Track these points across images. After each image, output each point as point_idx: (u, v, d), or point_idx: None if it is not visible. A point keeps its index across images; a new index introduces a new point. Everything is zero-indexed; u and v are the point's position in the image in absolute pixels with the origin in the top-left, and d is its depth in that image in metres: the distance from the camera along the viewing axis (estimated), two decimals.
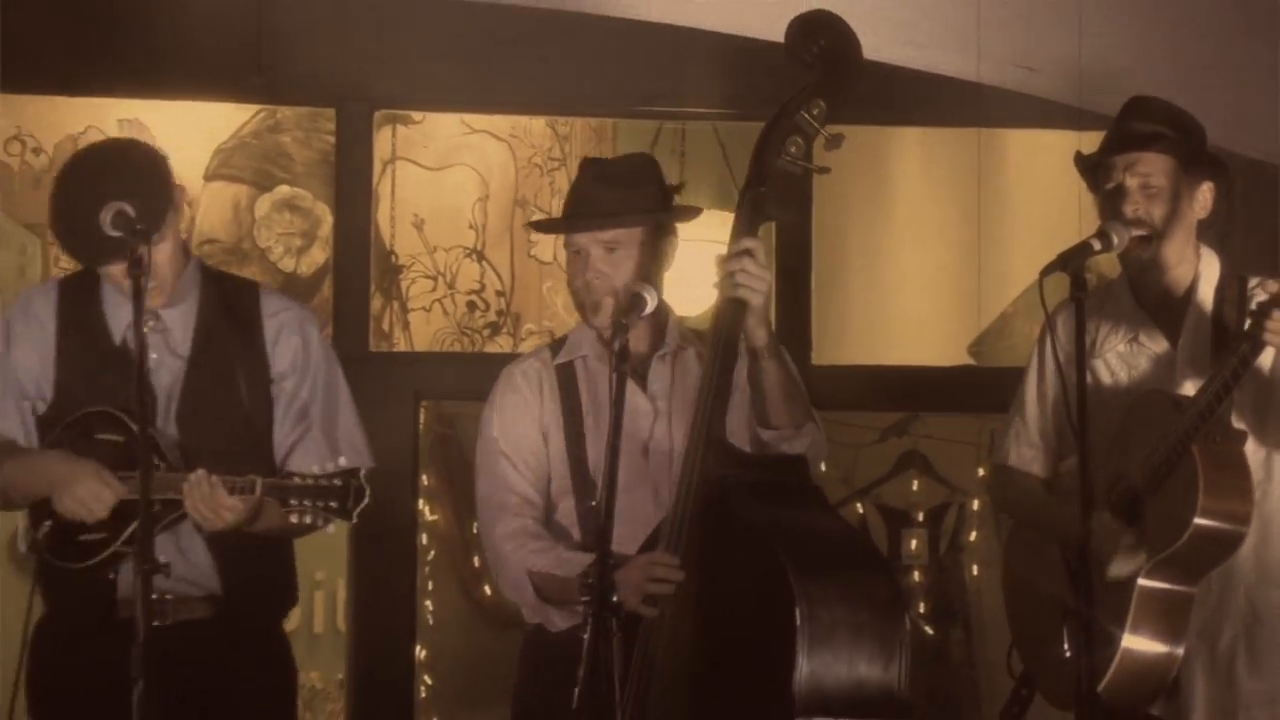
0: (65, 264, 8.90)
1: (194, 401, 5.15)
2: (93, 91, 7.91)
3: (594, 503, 4.96)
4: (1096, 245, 4.91)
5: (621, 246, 5.23)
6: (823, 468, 5.26)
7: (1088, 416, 4.69)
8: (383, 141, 8.15)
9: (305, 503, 4.84)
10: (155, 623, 4.95)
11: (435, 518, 8.47)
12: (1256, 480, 4.97)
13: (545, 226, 5.88)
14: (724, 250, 5.07)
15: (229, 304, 5.25)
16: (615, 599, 4.62)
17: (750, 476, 5.00)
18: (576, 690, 4.67)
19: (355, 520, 4.88)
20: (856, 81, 5.02)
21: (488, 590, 8.23)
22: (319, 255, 8.22)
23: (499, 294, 9.04)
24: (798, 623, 4.73)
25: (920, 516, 8.27)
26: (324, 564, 9.35)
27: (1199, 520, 4.85)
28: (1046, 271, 4.84)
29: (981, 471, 8.13)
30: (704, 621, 4.91)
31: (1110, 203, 5.09)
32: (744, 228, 5.03)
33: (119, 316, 5.14)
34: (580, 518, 5.19)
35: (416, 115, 8.62)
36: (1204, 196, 5.13)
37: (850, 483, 8.08)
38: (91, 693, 4.82)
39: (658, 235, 5.25)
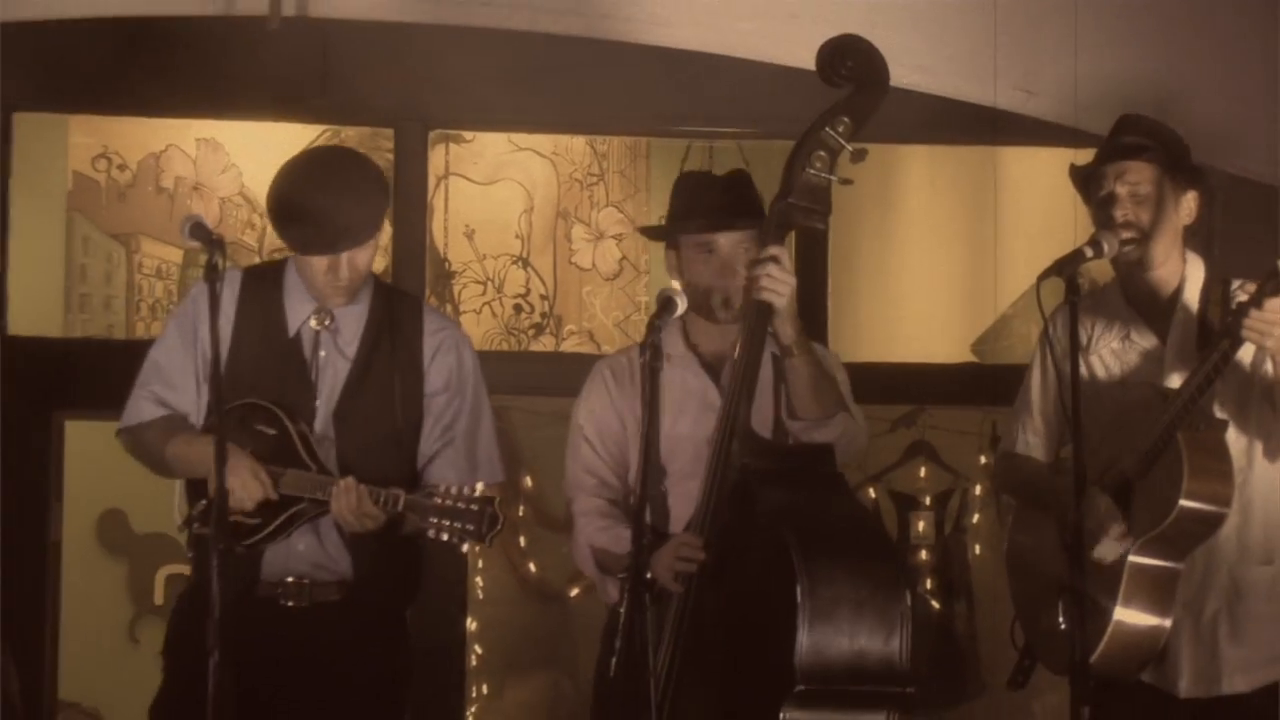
0: (147, 270, 8.92)
1: (352, 404, 5.10)
2: (173, 113, 7.93)
3: (662, 487, 4.97)
4: (1089, 252, 4.90)
5: (748, 247, 5.20)
6: (863, 448, 5.31)
7: (1082, 407, 4.69)
8: (436, 158, 8.15)
9: (444, 522, 4.82)
10: (290, 604, 5.01)
11: None
12: (1238, 466, 4.95)
13: (690, 225, 5.31)
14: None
15: (395, 315, 5.20)
16: (649, 576, 4.63)
17: (772, 464, 5.00)
18: (614, 659, 4.68)
19: (489, 544, 4.87)
20: (882, 99, 5.03)
21: (532, 567, 8.23)
22: (378, 262, 8.21)
23: (542, 298, 9.03)
24: (799, 598, 4.72)
25: (927, 500, 8.26)
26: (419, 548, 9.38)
27: (1185, 502, 4.84)
28: (1043, 276, 4.84)
29: (983, 459, 8.11)
30: (724, 597, 4.91)
31: (1102, 209, 5.09)
32: (770, 236, 5.04)
33: (298, 311, 5.12)
34: (651, 500, 5.18)
35: (467, 134, 8.61)
36: (1188, 204, 5.12)
37: (864, 469, 8.06)
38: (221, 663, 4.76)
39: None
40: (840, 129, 5.00)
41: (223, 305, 5.03)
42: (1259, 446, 5.05)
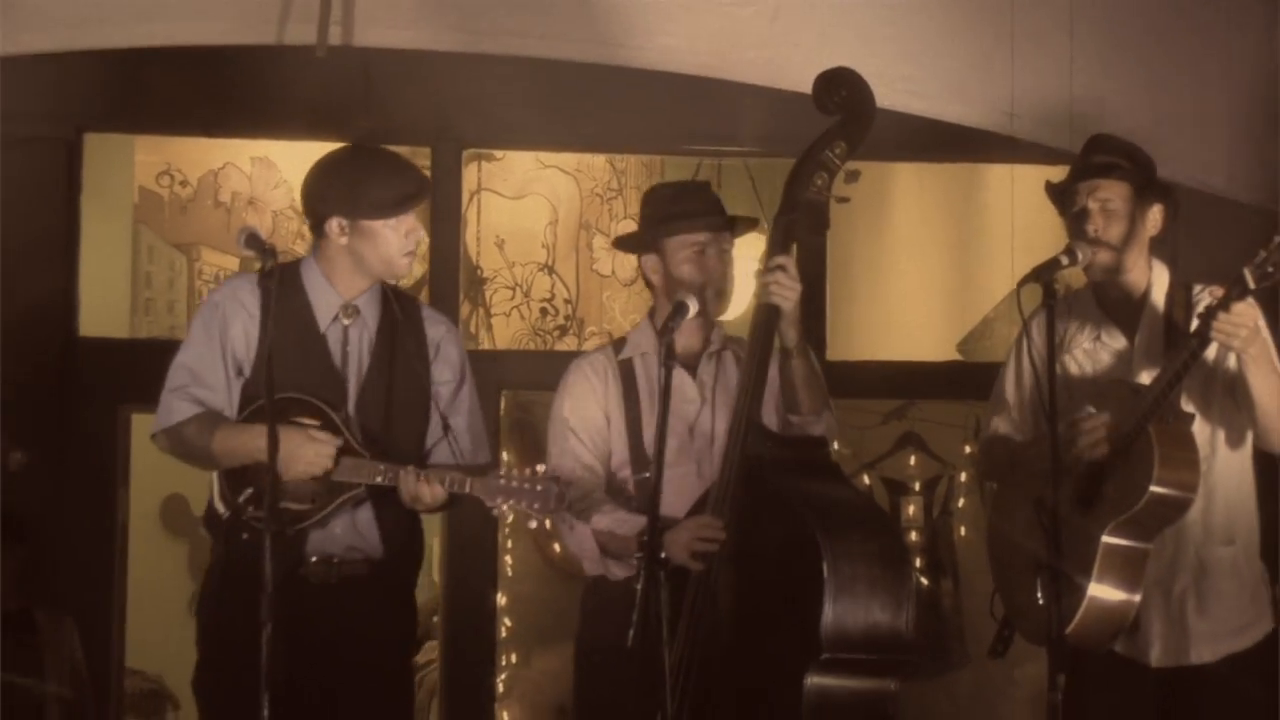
0: (206, 276, 8.93)
1: (373, 391, 5.05)
2: (229, 133, 7.92)
3: (646, 474, 4.96)
4: (1064, 260, 4.91)
5: (724, 244, 5.25)
6: (835, 445, 5.26)
7: (1058, 400, 4.69)
8: (470, 175, 8.16)
9: (510, 501, 4.82)
10: (323, 581, 4.96)
11: None
12: (1203, 455, 4.94)
13: (680, 224, 5.25)
14: (756, 266, 5.10)
15: (402, 307, 5.14)
16: (664, 555, 4.62)
17: (781, 454, 5.02)
18: (631, 631, 4.67)
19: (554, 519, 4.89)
20: (871, 125, 5.07)
21: (556, 548, 8.22)
22: (418, 269, 8.20)
23: (566, 302, 9.05)
24: (825, 575, 4.73)
25: (916, 487, 8.24)
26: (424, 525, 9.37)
27: (1154, 488, 4.82)
28: (1023, 282, 4.84)
29: (968, 449, 8.10)
30: (742, 574, 4.91)
31: (1076, 223, 5.08)
32: (777, 247, 5.05)
33: (324, 309, 5.04)
34: (635, 486, 5.19)
35: (498, 153, 8.63)
36: (1155, 217, 5.10)
37: (858, 458, 8.05)
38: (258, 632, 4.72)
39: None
40: (836, 152, 5.06)
41: (246, 305, 5.03)
42: (1222, 436, 5.04)
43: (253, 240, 4.75)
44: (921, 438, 8.21)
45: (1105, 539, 4.89)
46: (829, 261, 7.20)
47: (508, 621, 8.07)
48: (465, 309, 8.24)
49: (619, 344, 5.42)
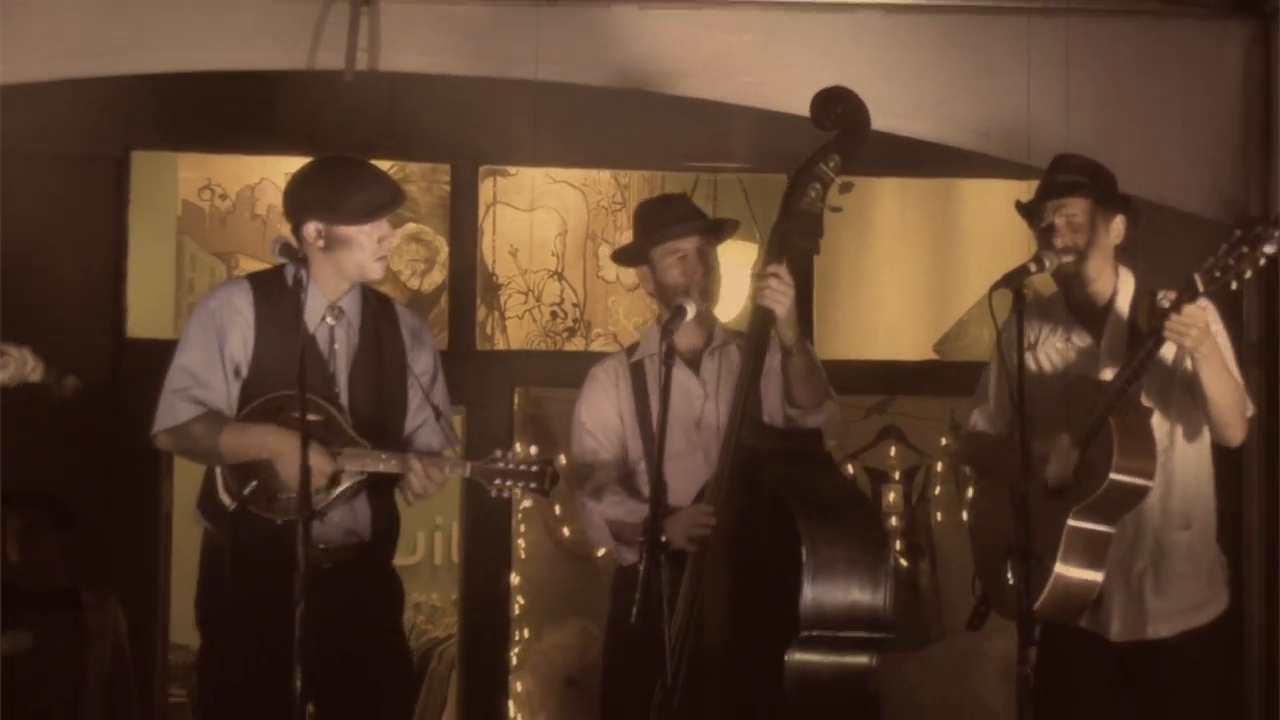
0: None
1: (360, 384, 5.02)
2: (265, 151, 7.93)
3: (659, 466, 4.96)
4: (1033, 268, 4.92)
5: (706, 250, 5.28)
6: (835, 432, 5.29)
7: (1030, 396, 4.70)
8: (486, 190, 8.15)
9: (507, 482, 4.81)
10: (326, 566, 4.89)
11: None
12: (1161, 446, 4.94)
13: (654, 234, 5.33)
14: (749, 271, 5.10)
15: (377, 306, 5.12)
16: (664, 539, 4.62)
17: (774, 445, 5.02)
18: (634, 610, 4.67)
19: (549, 496, 4.84)
20: (864, 140, 5.07)
21: (565, 532, 8.21)
22: (438, 276, 8.23)
23: (574, 306, 9.04)
24: (803, 558, 4.72)
25: (896, 475, 8.22)
26: (442, 511, 9.37)
27: (1114, 475, 4.82)
28: (995, 287, 4.85)
29: (944, 441, 8.08)
30: (735, 557, 4.91)
31: (1045, 237, 5.07)
32: (773, 255, 5.06)
33: (313, 310, 4.95)
34: (650, 478, 5.19)
35: (511, 169, 8.62)
36: (1117, 227, 5.10)
37: (843, 449, 8.02)
38: (263, 615, 4.70)
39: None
40: (831, 164, 5.04)
41: (240, 310, 5.00)
42: (1180, 430, 5.04)
43: (285, 249, 4.74)
44: (901, 430, 8.19)
45: (1070, 523, 4.89)
46: (816, 268, 7.19)
47: (520, 600, 8.05)
48: (482, 312, 8.23)
49: (632, 349, 5.44)
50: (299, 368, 4.63)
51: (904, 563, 8.09)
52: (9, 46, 6.04)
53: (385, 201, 4.99)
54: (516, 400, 7.56)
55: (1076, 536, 4.90)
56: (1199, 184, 6.27)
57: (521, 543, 8.13)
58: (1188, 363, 4.93)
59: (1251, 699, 6.16)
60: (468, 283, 7.44)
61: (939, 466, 8.20)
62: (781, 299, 4.98)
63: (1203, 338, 4.77)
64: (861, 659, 4.80)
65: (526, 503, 8.00)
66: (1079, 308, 5.13)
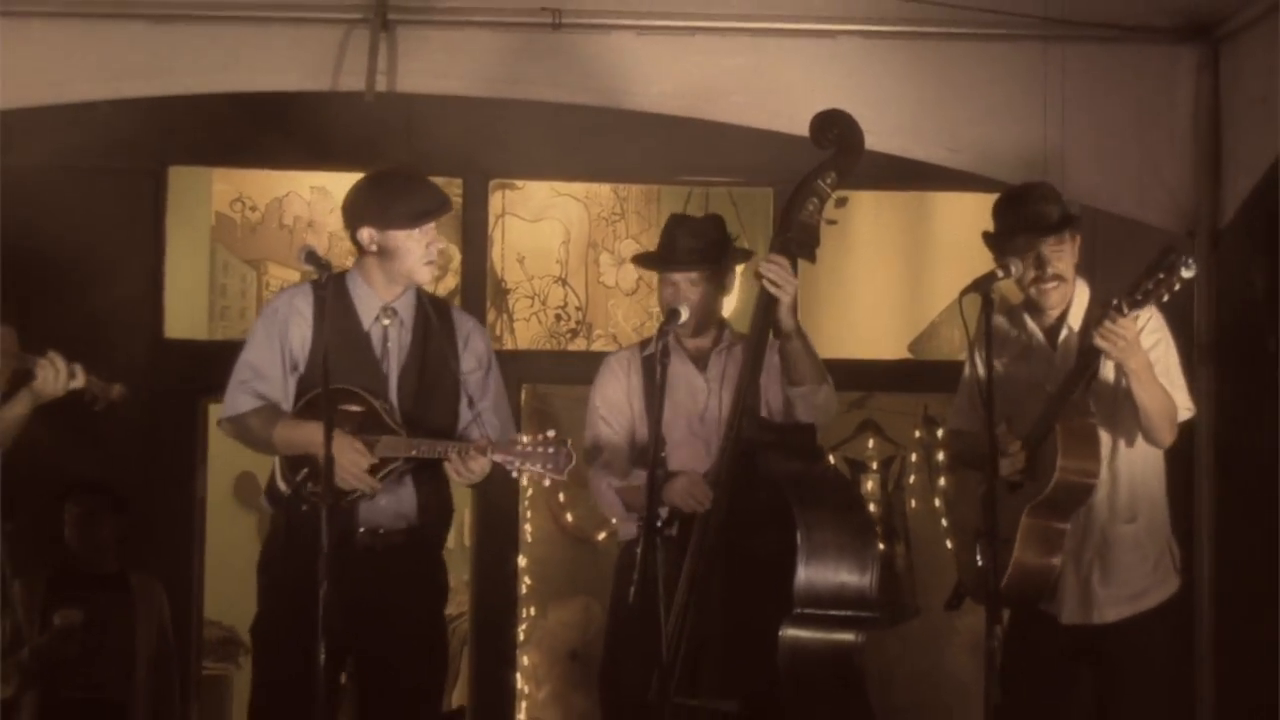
0: (272, 287, 8.92)
1: (410, 380, 5.02)
2: (291, 165, 7.94)
3: (663, 453, 4.97)
4: (1000, 274, 4.91)
5: (698, 280, 5.26)
6: (831, 414, 5.30)
7: (996, 398, 4.70)
8: (495, 202, 8.14)
9: (527, 464, 4.78)
10: (370, 547, 4.93)
11: None
12: (1109, 449, 4.98)
13: (645, 263, 5.57)
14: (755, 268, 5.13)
15: (435, 307, 5.14)
16: (661, 516, 4.70)
17: (771, 438, 5.04)
18: (632, 589, 4.68)
19: (565, 477, 4.80)
20: (859, 159, 5.13)
21: (569, 517, 8.21)
22: (451, 282, 8.20)
23: (577, 309, 9.03)
24: (798, 542, 4.73)
25: (874, 465, 8.22)
26: (455, 497, 9.35)
27: (1059, 475, 4.88)
28: (964, 292, 4.84)
29: (918, 434, 8.09)
30: (733, 540, 4.92)
31: (1038, 268, 5.06)
32: (774, 253, 5.11)
33: (367, 312, 5.02)
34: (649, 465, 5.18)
35: (519, 183, 8.62)
36: (1078, 246, 5.14)
37: (824, 441, 8.01)
38: (309, 588, 4.64)
39: (722, 272, 5.31)
40: (828, 180, 5.11)
41: (301, 311, 5.03)
42: (1124, 434, 5.04)
43: (311, 257, 4.75)
44: (878, 424, 8.20)
45: (1025, 519, 4.95)
46: (800, 274, 7.20)
47: (527, 580, 8.06)
48: (491, 315, 8.23)
49: (645, 343, 5.45)
50: (322, 366, 4.65)
51: (881, 546, 8.09)
52: (61, 71, 6.07)
53: (432, 208, 5.02)
54: (524, 396, 7.57)
55: (1031, 530, 4.96)
56: (1154, 196, 6.26)
57: (528, 527, 8.14)
58: None
59: (1204, 676, 6.16)
60: (479, 288, 7.44)
61: (913, 457, 8.21)
62: (786, 287, 5.03)
63: (1130, 349, 4.79)
64: (849, 636, 4.82)
65: (531, 490, 8.01)
66: (1039, 317, 5.15)
